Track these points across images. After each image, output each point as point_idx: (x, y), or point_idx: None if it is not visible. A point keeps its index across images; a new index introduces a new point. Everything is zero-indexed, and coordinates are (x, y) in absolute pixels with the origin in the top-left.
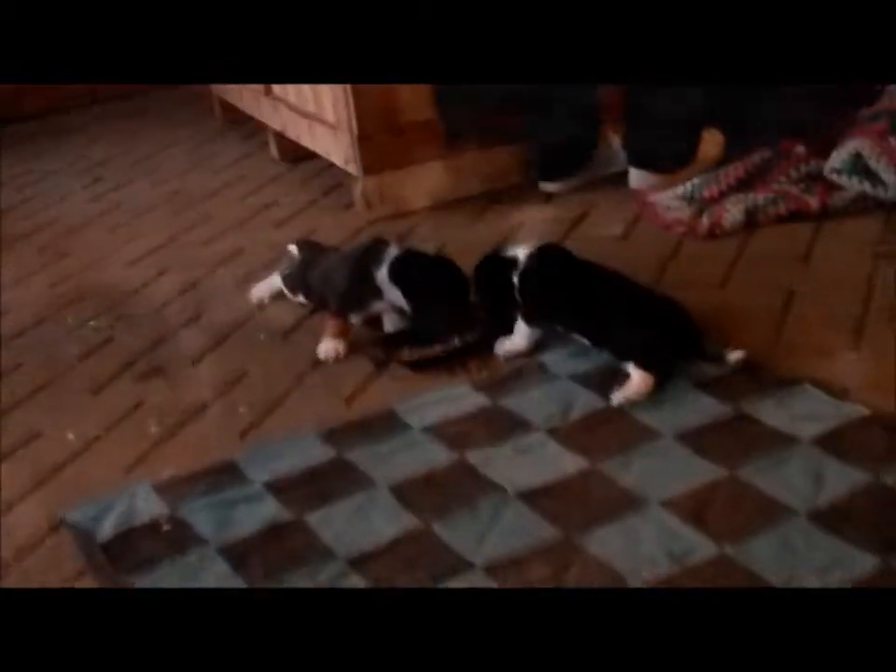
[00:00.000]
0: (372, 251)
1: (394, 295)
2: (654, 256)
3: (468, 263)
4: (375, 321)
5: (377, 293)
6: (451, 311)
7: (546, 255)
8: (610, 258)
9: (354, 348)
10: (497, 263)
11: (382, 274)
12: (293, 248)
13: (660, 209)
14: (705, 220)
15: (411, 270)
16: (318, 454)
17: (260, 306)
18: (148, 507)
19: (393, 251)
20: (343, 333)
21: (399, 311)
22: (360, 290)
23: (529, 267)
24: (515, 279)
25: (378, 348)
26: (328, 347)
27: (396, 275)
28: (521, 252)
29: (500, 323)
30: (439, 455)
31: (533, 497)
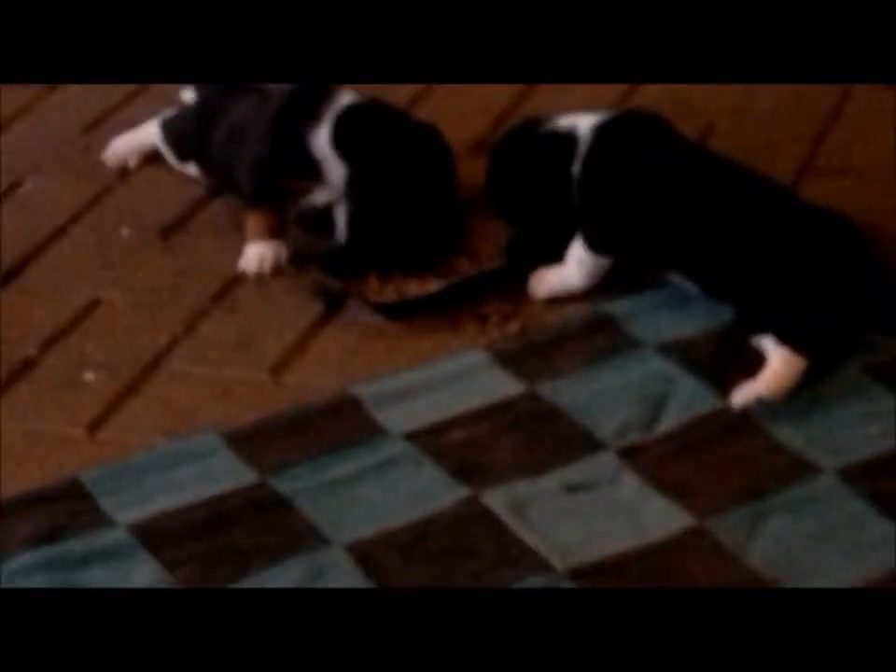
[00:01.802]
0: (310, 97)
1: (340, 175)
2: (801, 112)
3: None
4: (320, 219)
5: (314, 171)
6: (432, 211)
7: (629, 130)
8: (726, 112)
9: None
10: (538, 142)
11: (320, 139)
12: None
13: None
14: None
15: (366, 132)
16: (227, 476)
17: (123, 173)
18: None
19: (343, 99)
20: (275, 231)
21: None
22: (287, 165)
23: (598, 151)
24: (574, 170)
25: (327, 272)
26: (256, 253)
27: (342, 142)
28: (582, 123)
29: (541, 243)
30: (439, 493)
31: (593, 579)
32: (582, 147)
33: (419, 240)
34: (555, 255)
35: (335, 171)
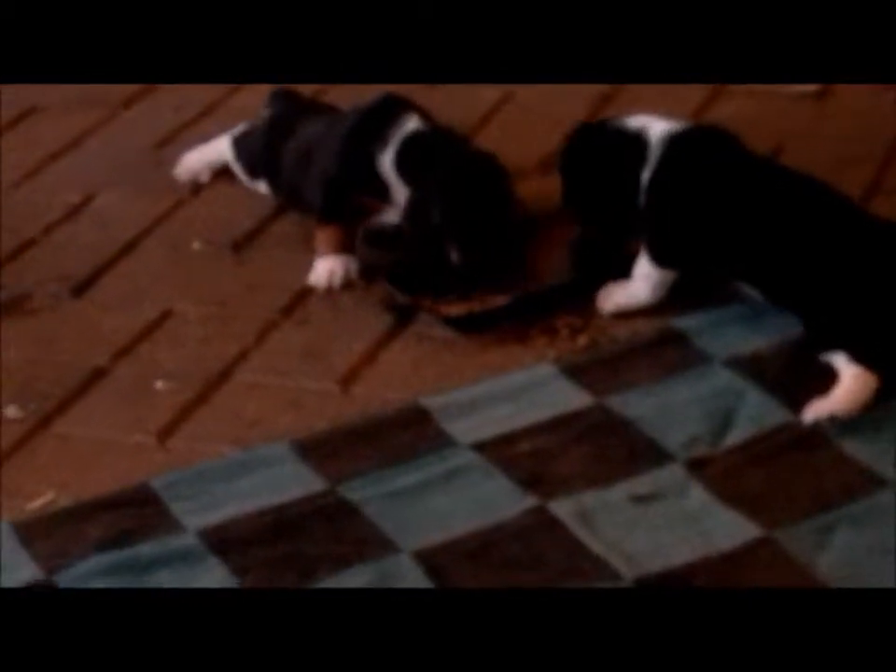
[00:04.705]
0: (378, 120)
1: (405, 197)
2: (871, 135)
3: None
4: (388, 236)
5: (382, 191)
6: (496, 233)
7: (702, 143)
8: (796, 133)
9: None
10: (606, 140)
11: (386, 162)
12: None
13: None
14: None
15: (430, 159)
16: (296, 484)
17: (194, 188)
18: (11, 565)
19: (409, 124)
20: (344, 245)
21: None
22: (357, 183)
23: (670, 160)
24: (644, 176)
25: (397, 286)
26: (325, 267)
27: (405, 166)
28: (655, 128)
29: (607, 257)
30: (506, 503)
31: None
32: (654, 154)
33: (477, 264)
34: (622, 267)
35: (401, 193)
